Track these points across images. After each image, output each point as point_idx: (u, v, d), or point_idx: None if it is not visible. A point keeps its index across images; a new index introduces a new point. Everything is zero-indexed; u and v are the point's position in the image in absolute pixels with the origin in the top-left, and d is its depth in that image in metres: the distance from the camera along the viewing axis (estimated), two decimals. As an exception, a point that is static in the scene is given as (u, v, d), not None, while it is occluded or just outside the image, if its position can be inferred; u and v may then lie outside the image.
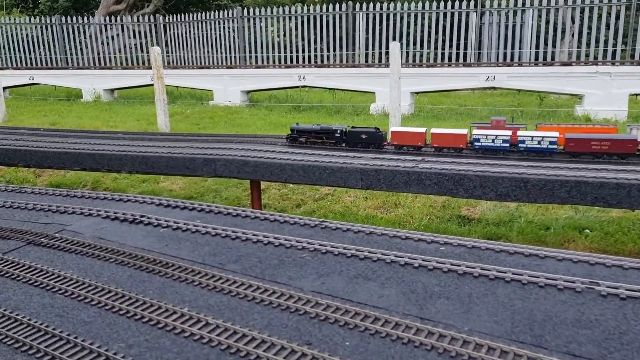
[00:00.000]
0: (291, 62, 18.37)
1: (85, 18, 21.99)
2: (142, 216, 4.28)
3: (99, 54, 21.73)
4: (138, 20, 22.54)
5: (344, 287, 3.22)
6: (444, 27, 16.74)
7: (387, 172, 5.45)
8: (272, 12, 18.36)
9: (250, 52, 18.98)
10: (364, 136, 6.27)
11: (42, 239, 3.89)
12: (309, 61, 18.26)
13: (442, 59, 16.96)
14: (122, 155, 6.55)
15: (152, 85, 20.70)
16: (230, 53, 19.25)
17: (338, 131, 6.40)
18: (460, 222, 8.00)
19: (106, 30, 21.85)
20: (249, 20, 18.78)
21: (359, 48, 17.47)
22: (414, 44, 17.04)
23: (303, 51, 18.12)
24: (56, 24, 21.68)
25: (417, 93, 17.00)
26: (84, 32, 21.73)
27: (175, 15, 21.01)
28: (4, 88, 20.76)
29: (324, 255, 3.58)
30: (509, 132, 5.81)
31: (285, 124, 15.05)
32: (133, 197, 4.85)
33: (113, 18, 22.01)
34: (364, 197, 9.19)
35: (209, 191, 10.16)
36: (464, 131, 6.10)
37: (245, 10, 18.86)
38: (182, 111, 17.23)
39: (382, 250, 3.61)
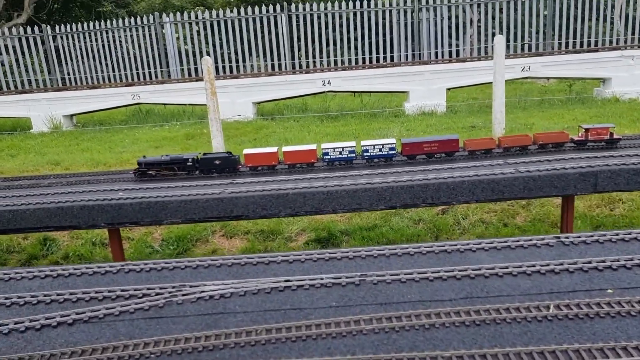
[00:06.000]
0: (310, 67, 16.64)
1: None
2: None
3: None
4: (10, 33, 18.22)
5: None
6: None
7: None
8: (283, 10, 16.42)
9: (266, 58, 16.82)
10: (217, 162, 6.21)
11: None
12: (330, 65, 16.73)
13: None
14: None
15: (129, 105, 17.20)
16: (229, 62, 16.89)
17: (190, 159, 6.22)
18: None
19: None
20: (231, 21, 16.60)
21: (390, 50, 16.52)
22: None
23: (328, 56, 16.53)
24: None
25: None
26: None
27: (70, 25, 17.32)
28: None
29: None
30: (353, 143, 6.23)
31: (343, 133, 13.46)
32: None
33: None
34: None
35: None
36: (313, 146, 6.35)
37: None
38: (199, 131, 14.47)
39: None
